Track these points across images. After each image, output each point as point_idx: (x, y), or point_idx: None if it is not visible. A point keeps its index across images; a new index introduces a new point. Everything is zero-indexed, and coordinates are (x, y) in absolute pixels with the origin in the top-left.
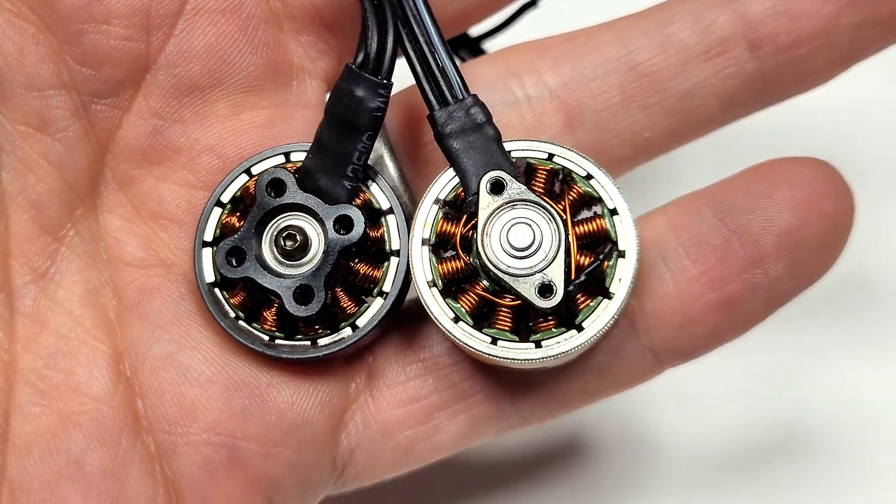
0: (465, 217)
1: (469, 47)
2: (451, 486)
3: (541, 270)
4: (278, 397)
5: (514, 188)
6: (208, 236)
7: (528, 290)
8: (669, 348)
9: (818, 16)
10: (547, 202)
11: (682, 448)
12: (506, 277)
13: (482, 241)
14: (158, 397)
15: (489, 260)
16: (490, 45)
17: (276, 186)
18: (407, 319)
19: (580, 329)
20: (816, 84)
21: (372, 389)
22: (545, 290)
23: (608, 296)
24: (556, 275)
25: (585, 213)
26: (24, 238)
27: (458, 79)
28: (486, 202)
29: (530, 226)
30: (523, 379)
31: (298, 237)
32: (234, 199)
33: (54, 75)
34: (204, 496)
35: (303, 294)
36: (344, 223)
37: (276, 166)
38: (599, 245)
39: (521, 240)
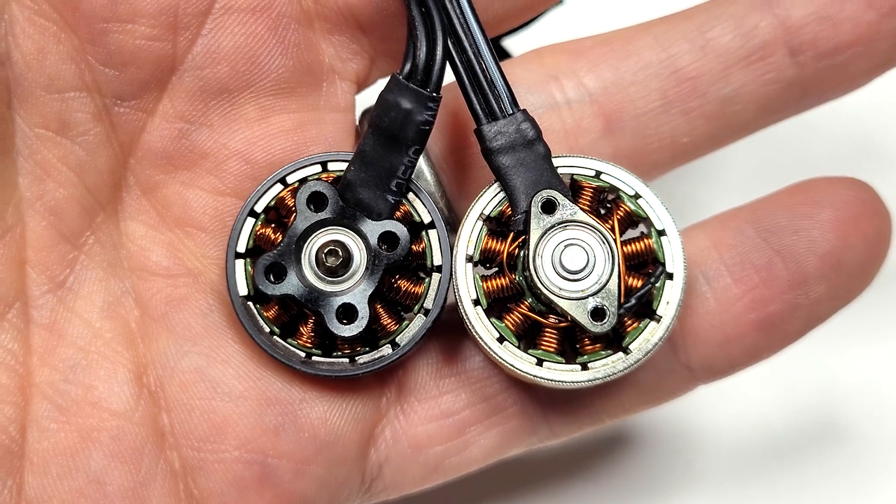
0: (511, 235)
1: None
2: (487, 473)
3: (594, 294)
4: (311, 413)
5: (567, 208)
6: (241, 247)
7: (580, 313)
8: (706, 365)
9: (860, 22)
10: (599, 223)
11: (715, 432)
12: (558, 301)
13: (534, 262)
14: (187, 413)
15: (541, 282)
16: (509, 43)
17: (317, 200)
18: (439, 332)
19: (627, 351)
20: (852, 89)
21: (403, 404)
22: (598, 314)
23: (655, 318)
24: (610, 299)
25: (631, 233)
26: (42, 246)
27: (507, 92)
28: (538, 222)
29: (584, 248)
30: (557, 394)
31: (341, 253)
32: (268, 209)
33: (76, 76)
34: None
35: (346, 313)
36: (388, 240)
37: (315, 178)
38: (646, 265)
39: (575, 262)
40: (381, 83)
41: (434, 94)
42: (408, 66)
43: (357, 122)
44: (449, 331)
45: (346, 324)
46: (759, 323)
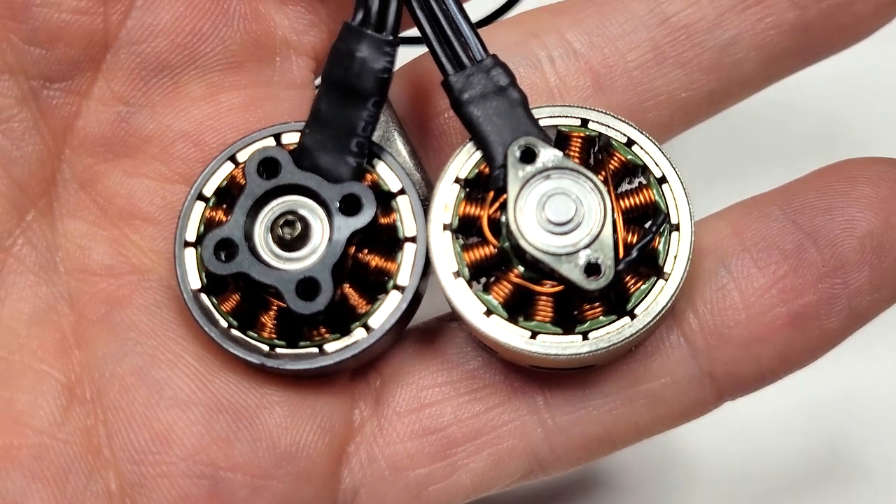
0: (491, 195)
1: None
2: None
3: (586, 247)
4: (270, 420)
5: (548, 155)
6: (191, 235)
7: (572, 270)
8: (732, 372)
9: None
10: (585, 169)
11: (706, 454)
12: (545, 258)
13: (514, 217)
14: (127, 421)
15: (524, 239)
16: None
17: (269, 167)
18: (421, 333)
19: (633, 316)
20: (861, 35)
21: (380, 418)
22: (592, 269)
23: (663, 276)
24: (604, 251)
25: (628, 185)
26: None
27: (475, 38)
28: (517, 172)
29: (570, 197)
30: (562, 410)
31: (299, 224)
32: (219, 191)
33: None
34: None
35: (307, 288)
36: (351, 204)
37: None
38: (648, 220)
39: (561, 213)
40: None
41: (391, 38)
42: (360, 13)
43: None
44: (432, 332)
45: (306, 300)
46: (791, 317)
